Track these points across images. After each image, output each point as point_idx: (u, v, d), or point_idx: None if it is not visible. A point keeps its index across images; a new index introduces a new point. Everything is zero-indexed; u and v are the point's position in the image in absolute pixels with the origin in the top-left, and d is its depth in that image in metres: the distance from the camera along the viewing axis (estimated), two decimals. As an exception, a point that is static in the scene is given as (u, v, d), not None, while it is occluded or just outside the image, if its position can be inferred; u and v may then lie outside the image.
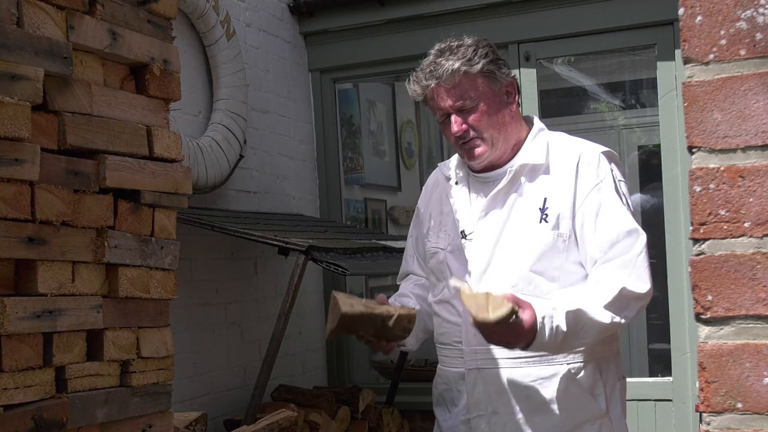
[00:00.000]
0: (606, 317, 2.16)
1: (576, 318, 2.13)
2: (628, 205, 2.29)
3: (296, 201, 4.89)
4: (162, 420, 2.00)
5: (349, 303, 2.17)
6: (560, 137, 2.41)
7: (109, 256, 1.85)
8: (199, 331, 4.02)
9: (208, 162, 3.91)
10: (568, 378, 2.27)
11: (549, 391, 2.26)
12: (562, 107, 6.55)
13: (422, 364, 4.95)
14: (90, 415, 1.80)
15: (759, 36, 1.07)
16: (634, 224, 2.25)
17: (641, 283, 2.20)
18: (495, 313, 2.00)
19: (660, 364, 5.15)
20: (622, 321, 2.20)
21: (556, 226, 2.26)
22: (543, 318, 2.08)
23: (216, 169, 3.98)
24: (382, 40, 4.90)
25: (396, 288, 2.68)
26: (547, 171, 2.32)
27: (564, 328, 2.10)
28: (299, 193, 4.93)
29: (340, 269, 3.52)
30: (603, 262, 2.23)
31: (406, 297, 2.51)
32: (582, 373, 2.29)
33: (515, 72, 4.59)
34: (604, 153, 2.32)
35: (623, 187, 2.31)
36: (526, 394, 2.27)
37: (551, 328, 2.09)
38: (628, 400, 4.60)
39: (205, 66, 4.18)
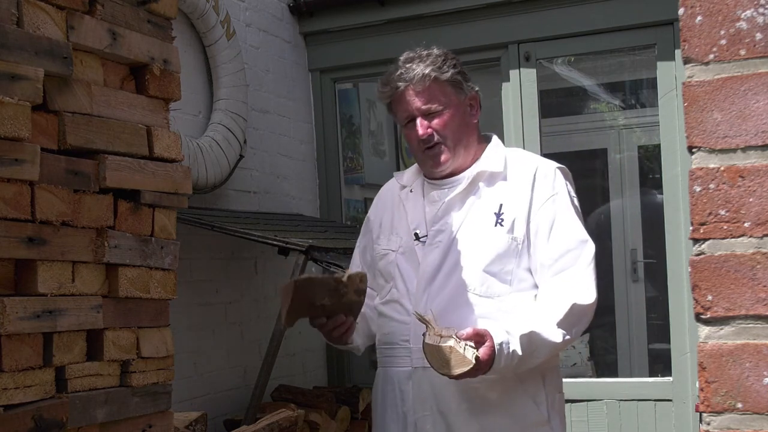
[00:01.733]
0: (558, 336, 2.24)
1: (530, 340, 2.20)
2: (581, 218, 2.37)
3: (296, 201, 4.89)
4: (162, 420, 2.00)
5: (296, 277, 2.20)
6: (518, 151, 2.52)
7: (109, 256, 1.85)
8: (199, 331, 4.02)
9: (208, 162, 3.91)
10: (513, 382, 2.30)
11: (493, 393, 2.29)
12: (562, 107, 6.56)
13: (422, 364, 4.95)
14: (90, 415, 1.80)
15: (759, 36, 1.07)
16: (585, 235, 2.33)
17: (588, 294, 2.27)
18: (457, 369, 2.10)
19: (660, 364, 5.16)
20: (573, 337, 2.29)
21: (511, 230, 2.32)
22: (500, 344, 2.16)
23: (216, 169, 3.98)
24: (382, 40, 4.89)
25: None
26: (504, 179, 2.38)
27: (519, 351, 2.18)
28: (299, 193, 4.93)
29: (340, 269, 3.52)
30: (553, 273, 2.29)
31: None
32: (526, 380, 2.32)
33: (515, 72, 4.60)
34: (559, 168, 2.40)
35: (576, 202, 2.38)
36: (471, 396, 2.30)
37: (508, 353, 2.17)
38: (628, 401, 4.61)
39: (205, 66, 4.18)
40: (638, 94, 6.50)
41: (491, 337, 2.15)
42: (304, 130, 5.03)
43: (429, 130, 2.37)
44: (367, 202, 5.77)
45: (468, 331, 2.14)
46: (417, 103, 2.37)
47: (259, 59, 4.64)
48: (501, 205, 2.34)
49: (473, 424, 2.30)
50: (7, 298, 1.63)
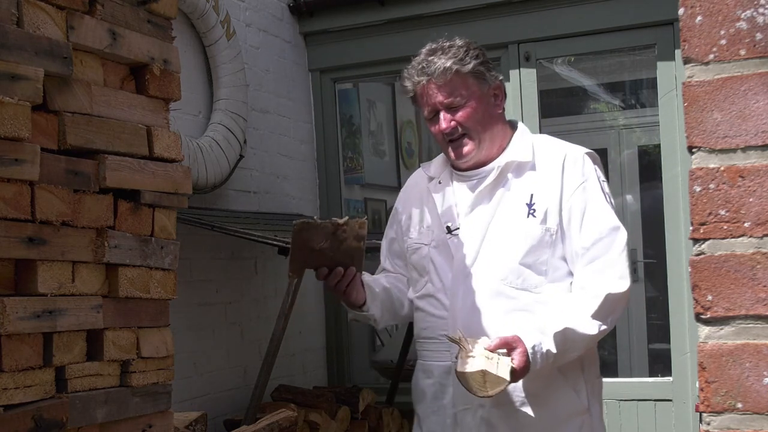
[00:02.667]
0: (593, 328, 2.24)
1: (564, 337, 2.20)
2: (611, 203, 2.36)
3: (296, 201, 4.89)
4: (162, 420, 2.00)
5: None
6: (544, 138, 2.50)
7: (109, 256, 1.85)
8: (199, 331, 4.02)
9: (208, 162, 3.91)
10: (553, 374, 2.29)
11: (534, 384, 2.28)
12: (562, 107, 6.56)
13: (422, 364, 4.94)
14: (90, 415, 1.80)
15: (759, 36, 1.07)
16: (616, 221, 2.32)
17: (623, 281, 2.27)
18: (494, 389, 2.09)
19: (660, 364, 5.16)
20: (609, 327, 2.28)
21: (544, 221, 2.31)
22: (533, 347, 2.16)
23: (216, 169, 3.98)
24: (382, 40, 4.90)
25: None
26: (533, 168, 2.37)
27: (554, 350, 2.19)
28: (299, 193, 4.93)
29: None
30: (587, 261, 2.29)
31: (377, 278, 2.54)
32: (566, 370, 2.32)
33: (515, 72, 4.60)
34: (587, 154, 2.39)
35: (606, 187, 2.38)
36: (512, 389, 2.29)
37: (542, 355, 2.17)
38: (627, 401, 4.61)
39: (205, 66, 4.18)
40: (638, 94, 6.50)
41: (522, 342, 2.15)
42: (304, 130, 5.03)
43: (452, 123, 2.36)
44: (367, 202, 5.77)
45: (495, 342, 2.14)
46: (439, 96, 2.36)
47: (259, 59, 4.64)
48: (532, 195, 2.33)
49: (514, 417, 2.29)
50: (7, 298, 1.63)
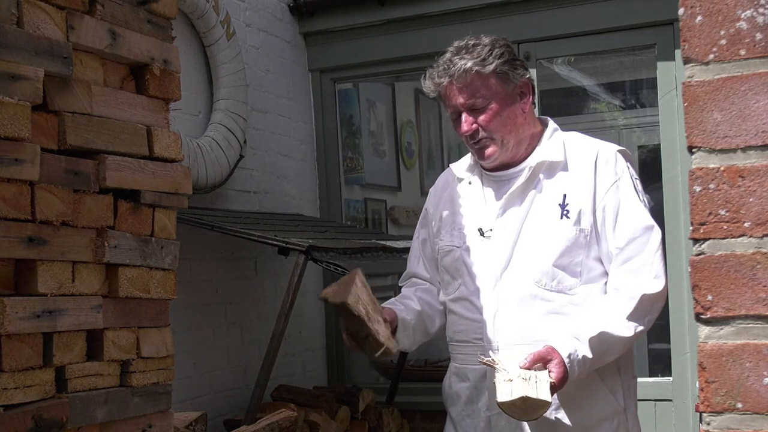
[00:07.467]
0: (629, 330, 2.21)
1: (600, 341, 2.18)
2: (645, 201, 2.33)
3: (296, 201, 4.89)
4: (162, 420, 2.00)
5: (356, 295, 2.15)
6: (575, 136, 2.45)
7: (109, 256, 1.85)
8: (199, 331, 4.02)
9: (208, 162, 3.91)
10: (590, 375, 2.26)
11: (571, 388, 2.23)
12: (562, 107, 6.55)
13: (422, 364, 4.95)
14: (90, 415, 1.80)
15: (759, 36, 1.08)
16: (650, 220, 2.29)
17: (657, 281, 2.24)
18: (537, 412, 2.06)
19: (660, 364, 5.15)
20: (646, 327, 2.25)
21: (578, 222, 2.28)
22: (569, 356, 2.13)
23: (216, 169, 3.98)
24: (382, 40, 4.90)
25: (397, 290, 2.66)
26: (565, 168, 2.34)
27: (590, 355, 2.16)
28: (299, 193, 4.93)
29: (340, 269, 3.52)
30: (621, 262, 2.26)
31: (408, 299, 2.49)
32: (602, 370, 2.29)
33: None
34: (619, 151, 2.36)
35: (638, 185, 2.34)
36: None
37: (579, 362, 2.15)
38: (628, 400, 4.56)
39: (205, 66, 4.18)
40: (638, 94, 6.49)
41: (557, 353, 2.13)
42: (304, 130, 5.03)
43: (474, 126, 2.33)
44: (367, 202, 5.77)
45: (529, 359, 2.11)
46: (460, 98, 2.32)
47: (259, 59, 4.64)
48: (564, 196, 2.30)
49: (550, 420, 2.26)
50: (7, 298, 1.63)
